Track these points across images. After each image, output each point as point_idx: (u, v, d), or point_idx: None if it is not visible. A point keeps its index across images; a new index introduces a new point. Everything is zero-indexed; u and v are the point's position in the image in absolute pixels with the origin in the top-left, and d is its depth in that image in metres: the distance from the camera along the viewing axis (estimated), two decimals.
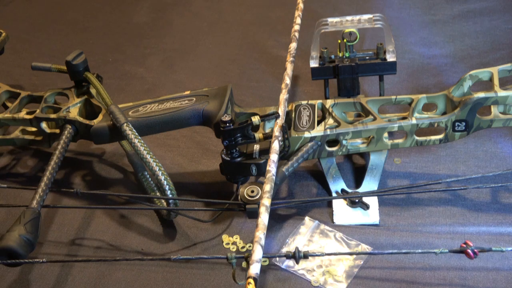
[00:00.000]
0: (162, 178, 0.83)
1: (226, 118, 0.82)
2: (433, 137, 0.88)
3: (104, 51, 1.23)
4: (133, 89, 1.13)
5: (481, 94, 0.84)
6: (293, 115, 0.89)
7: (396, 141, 0.88)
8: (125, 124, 0.86)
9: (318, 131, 0.86)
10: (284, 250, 0.83)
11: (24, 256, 0.75)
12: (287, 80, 0.88)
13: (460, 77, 0.88)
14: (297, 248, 0.71)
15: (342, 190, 0.89)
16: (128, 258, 0.75)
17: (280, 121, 0.84)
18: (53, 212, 0.91)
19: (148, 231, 0.88)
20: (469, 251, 0.71)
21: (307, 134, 0.86)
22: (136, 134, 0.86)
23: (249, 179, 0.88)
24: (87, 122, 0.90)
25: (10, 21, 1.33)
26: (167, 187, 0.83)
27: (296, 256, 0.71)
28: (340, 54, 0.94)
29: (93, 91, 0.94)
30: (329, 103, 0.90)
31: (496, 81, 0.86)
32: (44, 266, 0.83)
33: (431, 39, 1.17)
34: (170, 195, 0.84)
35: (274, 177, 0.78)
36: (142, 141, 0.85)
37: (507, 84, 0.87)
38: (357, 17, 0.94)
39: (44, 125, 0.93)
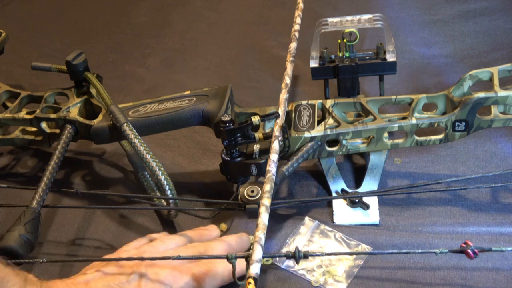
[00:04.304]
0: (162, 178, 0.83)
1: (226, 118, 0.82)
2: (433, 137, 0.88)
3: (104, 51, 1.23)
4: (133, 89, 1.13)
5: (481, 94, 0.84)
6: (293, 115, 0.89)
7: (396, 141, 0.88)
8: (125, 124, 0.86)
9: (318, 131, 0.86)
10: (284, 250, 0.83)
11: (24, 256, 0.75)
12: (287, 80, 0.88)
13: (460, 77, 0.88)
14: (297, 248, 0.71)
15: (342, 190, 0.89)
16: (128, 258, 0.75)
17: (280, 121, 0.84)
18: (53, 212, 0.91)
19: (148, 231, 0.88)
20: (469, 251, 0.70)
21: (307, 134, 0.86)
22: (136, 134, 0.86)
23: (249, 179, 0.88)
24: (87, 122, 0.90)
25: (10, 21, 1.33)
26: (167, 187, 0.83)
27: (296, 256, 0.71)
28: (340, 54, 0.94)
29: (93, 91, 0.94)
30: (329, 103, 0.90)
31: (496, 81, 0.86)
32: (44, 266, 0.83)
33: (431, 39, 1.17)
34: (170, 195, 0.84)
35: (274, 177, 0.78)
36: (142, 141, 0.85)
37: (507, 84, 0.87)
38: (357, 17, 0.94)
39: (44, 125, 0.93)
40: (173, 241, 0.80)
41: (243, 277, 0.72)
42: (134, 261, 0.75)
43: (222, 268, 0.76)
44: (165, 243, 0.80)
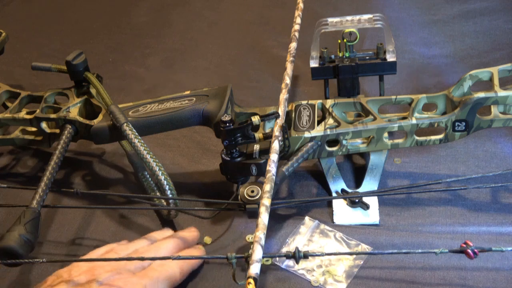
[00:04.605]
0: (162, 178, 0.83)
1: (226, 118, 0.82)
2: (433, 137, 0.88)
3: (104, 51, 1.23)
4: (133, 89, 1.13)
5: (481, 94, 0.84)
6: (293, 115, 0.89)
7: (396, 141, 0.88)
8: (125, 124, 0.86)
9: (318, 131, 0.86)
10: (284, 250, 0.83)
11: (24, 256, 0.75)
12: (287, 80, 0.88)
13: (460, 77, 0.88)
14: (297, 248, 0.71)
15: (342, 190, 0.89)
16: (128, 258, 0.75)
17: (280, 121, 0.84)
18: (53, 212, 0.91)
19: (148, 231, 0.88)
20: (469, 251, 0.71)
21: (307, 134, 0.86)
22: (136, 134, 0.86)
23: (249, 179, 0.88)
24: (87, 122, 0.90)
25: (10, 21, 1.33)
26: (167, 187, 0.83)
27: (296, 256, 0.71)
28: (340, 54, 0.94)
29: (93, 91, 0.94)
30: (329, 103, 0.90)
31: (496, 81, 0.86)
32: (44, 266, 0.83)
33: (431, 39, 1.17)
34: (170, 195, 0.84)
35: (274, 177, 0.78)
36: (142, 141, 0.85)
37: (507, 84, 0.87)
38: (357, 17, 0.94)
39: (44, 125, 0.93)
40: (136, 244, 0.81)
41: (201, 266, 0.79)
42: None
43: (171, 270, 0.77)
44: (132, 244, 0.81)
